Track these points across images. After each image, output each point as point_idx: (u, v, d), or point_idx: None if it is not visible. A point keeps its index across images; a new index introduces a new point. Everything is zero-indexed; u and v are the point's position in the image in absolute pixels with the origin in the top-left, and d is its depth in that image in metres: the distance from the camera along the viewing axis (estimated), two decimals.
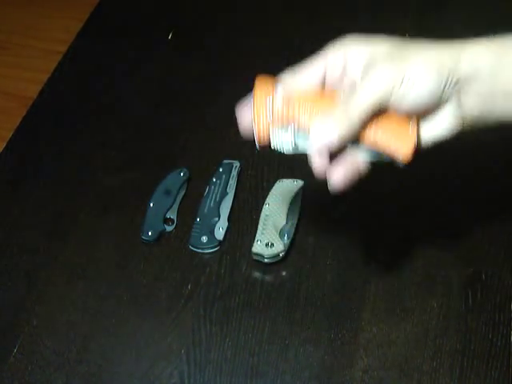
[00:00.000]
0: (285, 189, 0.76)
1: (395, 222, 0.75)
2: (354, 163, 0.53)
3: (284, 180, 0.77)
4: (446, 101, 0.52)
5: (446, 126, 0.53)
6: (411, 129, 0.52)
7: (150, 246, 0.74)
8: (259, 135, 0.52)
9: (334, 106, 0.51)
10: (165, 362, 0.65)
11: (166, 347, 0.66)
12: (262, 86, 0.53)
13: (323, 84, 0.54)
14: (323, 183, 0.78)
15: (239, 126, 0.55)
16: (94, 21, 1.04)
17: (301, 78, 0.54)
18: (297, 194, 0.75)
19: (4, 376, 0.64)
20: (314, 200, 0.77)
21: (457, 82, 0.51)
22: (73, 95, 0.92)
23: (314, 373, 0.63)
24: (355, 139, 0.51)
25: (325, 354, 0.64)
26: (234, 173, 0.79)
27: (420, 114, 0.53)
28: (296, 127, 0.52)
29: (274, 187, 0.76)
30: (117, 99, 0.91)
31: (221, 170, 0.79)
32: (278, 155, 0.81)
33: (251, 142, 0.83)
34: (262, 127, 0.52)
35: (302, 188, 0.76)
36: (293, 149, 0.54)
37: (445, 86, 0.51)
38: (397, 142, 0.51)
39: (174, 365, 0.64)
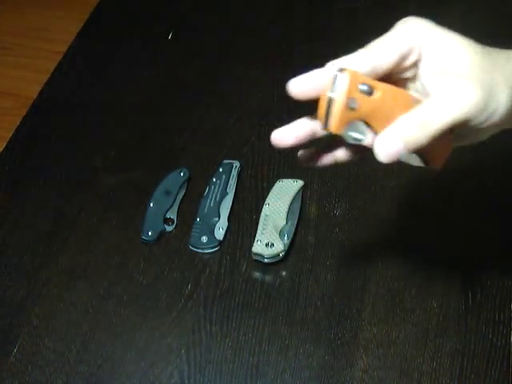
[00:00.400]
0: (285, 189, 0.76)
1: (395, 222, 0.75)
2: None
3: (284, 180, 0.77)
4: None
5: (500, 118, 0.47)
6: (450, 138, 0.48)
7: (150, 246, 0.74)
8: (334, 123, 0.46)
9: (406, 111, 0.45)
10: (165, 362, 0.65)
11: (166, 347, 0.66)
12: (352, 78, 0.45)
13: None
14: (323, 183, 0.79)
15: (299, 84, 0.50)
16: (93, 21, 1.04)
17: (376, 66, 0.47)
18: (297, 194, 0.75)
19: (4, 376, 0.64)
20: (314, 200, 0.77)
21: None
22: (73, 95, 0.92)
23: (314, 373, 0.63)
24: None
25: (325, 354, 0.64)
26: (234, 173, 0.79)
27: None
28: (366, 126, 0.46)
29: (273, 187, 0.76)
30: (117, 99, 0.91)
31: (221, 169, 0.79)
32: (278, 155, 0.82)
33: (251, 141, 0.84)
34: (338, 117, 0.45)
35: (302, 188, 0.77)
36: (356, 141, 0.47)
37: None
38: (436, 151, 0.48)
39: (173, 365, 0.64)
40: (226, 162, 0.80)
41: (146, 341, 0.66)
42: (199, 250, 0.73)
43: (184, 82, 0.93)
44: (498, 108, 0.45)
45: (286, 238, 0.71)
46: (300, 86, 0.50)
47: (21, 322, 0.68)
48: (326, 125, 0.46)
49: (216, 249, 0.73)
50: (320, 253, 0.72)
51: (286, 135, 0.53)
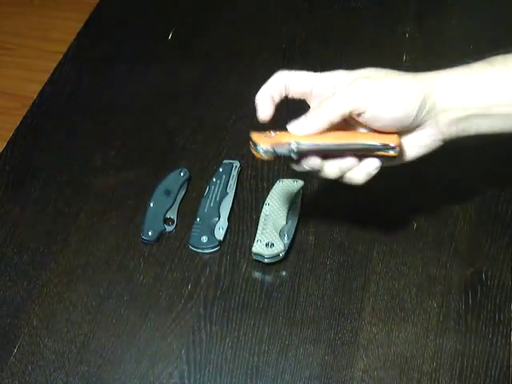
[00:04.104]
0: (285, 189, 0.76)
1: (395, 222, 0.75)
2: None
3: (284, 180, 0.77)
4: (423, 123, 0.57)
5: (425, 144, 0.59)
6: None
7: (150, 246, 0.74)
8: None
9: None
10: (165, 362, 0.65)
11: (166, 347, 0.66)
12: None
13: None
14: (323, 183, 0.79)
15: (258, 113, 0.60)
16: (93, 21, 1.04)
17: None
18: (297, 194, 0.75)
19: (4, 376, 0.64)
20: (314, 200, 0.77)
21: (430, 111, 0.56)
22: (73, 95, 0.92)
23: (314, 373, 0.63)
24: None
25: (325, 354, 0.64)
26: (234, 173, 0.79)
27: (399, 132, 0.57)
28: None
29: (274, 187, 0.76)
30: (117, 99, 0.91)
31: (221, 169, 0.79)
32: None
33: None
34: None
35: (302, 188, 0.77)
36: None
37: (418, 111, 0.55)
38: (382, 137, 0.56)
39: (173, 365, 0.64)
40: (225, 162, 0.80)
41: (146, 341, 0.66)
42: (199, 250, 0.73)
43: (184, 82, 0.93)
44: (388, 100, 0.55)
45: (285, 237, 0.71)
46: (267, 112, 0.60)
47: (21, 322, 0.68)
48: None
49: (216, 249, 0.73)
50: (320, 253, 0.72)
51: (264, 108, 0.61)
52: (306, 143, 0.55)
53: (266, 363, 0.64)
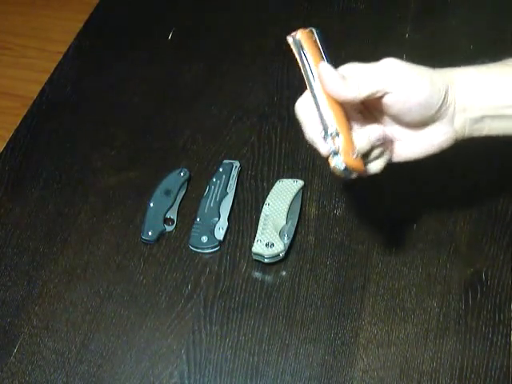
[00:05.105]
0: (285, 189, 0.76)
1: (395, 222, 0.75)
2: None
3: (284, 180, 0.77)
4: (440, 119, 0.56)
5: (438, 142, 0.57)
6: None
7: (150, 246, 0.74)
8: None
9: None
10: (165, 362, 0.65)
11: (166, 347, 0.66)
12: None
13: None
14: (323, 183, 0.79)
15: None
16: (93, 21, 1.04)
17: None
18: (297, 194, 0.75)
19: (4, 376, 0.64)
20: (314, 200, 0.77)
21: (449, 106, 0.55)
22: (73, 95, 0.92)
23: (314, 373, 0.63)
24: None
25: (325, 354, 0.64)
26: (234, 173, 0.79)
27: (413, 125, 0.56)
28: None
29: (274, 187, 0.76)
30: (117, 99, 0.91)
31: (221, 169, 0.79)
32: (278, 155, 0.82)
33: (251, 141, 0.84)
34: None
35: (302, 188, 0.77)
36: None
37: (443, 101, 0.54)
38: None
39: (173, 365, 0.64)
40: (226, 162, 0.80)
41: (146, 341, 0.66)
42: (199, 250, 0.73)
43: (184, 81, 0.93)
44: (421, 92, 0.53)
45: (285, 237, 0.71)
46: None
47: (21, 322, 0.68)
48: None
49: (216, 249, 0.73)
50: (320, 253, 0.72)
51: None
52: None
53: (265, 363, 0.64)
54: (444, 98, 0.54)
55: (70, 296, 0.70)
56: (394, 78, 0.53)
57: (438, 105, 0.54)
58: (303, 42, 0.54)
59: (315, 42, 0.55)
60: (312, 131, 0.54)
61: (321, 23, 1.00)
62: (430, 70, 0.55)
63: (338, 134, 0.52)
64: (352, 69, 0.55)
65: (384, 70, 0.53)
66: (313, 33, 0.55)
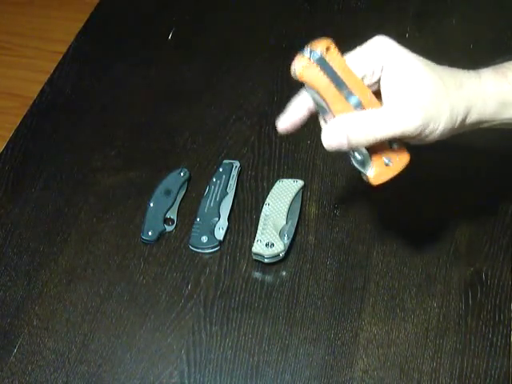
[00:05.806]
0: (285, 189, 0.76)
1: (395, 222, 0.75)
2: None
3: (284, 180, 0.77)
4: None
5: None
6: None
7: (150, 246, 0.74)
8: None
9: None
10: (165, 362, 0.65)
11: (166, 347, 0.66)
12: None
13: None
14: (323, 183, 0.79)
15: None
16: (93, 21, 1.04)
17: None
18: (297, 194, 0.75)
19: (4, 376, 0.64)
20: (314, 200, 0.77)
21: (467, 123, 0.54)
22: (73, 95, 0.92)
23: (314, 373, 0.63)
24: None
25: (325, 354, 0.64)
26: (234, 173, 0.79)
27: None
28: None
29: (274, 187, 0.76)
30: (117, 99, 0.91)
31: (221, 169, 0.79)
32: (278, 155, 0.82)
33: (251, 141, 0.84)
34: None
35: (302, 188, 0.77)
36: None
37: (459, 126, 0.53)
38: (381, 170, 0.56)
39: (173, 365, 0.64)
40: (226, 162, 0.80)
41: (146, 341, 0.66)
42: (199, 250, 0.73)
43: (184, 81, 0.93)
44: (436, 130, 0.52)
45: (285, 237, 0.71)
46: (287, 123, 0.57)
47: (21, 322, 0.68)
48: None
49: (216, 249, 0.73)
50: (320, 253, 0.72)
51: (287, 125, 0.58)
52: None
53: (265, 363, 0.64)
54: (461, 123, 0.53)
55: (70, 296, 0.70)
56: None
57: (453, 129, 0.53)
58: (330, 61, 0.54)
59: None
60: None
61: (321, 23, 1.01)
62: (450, 95, 0.52)
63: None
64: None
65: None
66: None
